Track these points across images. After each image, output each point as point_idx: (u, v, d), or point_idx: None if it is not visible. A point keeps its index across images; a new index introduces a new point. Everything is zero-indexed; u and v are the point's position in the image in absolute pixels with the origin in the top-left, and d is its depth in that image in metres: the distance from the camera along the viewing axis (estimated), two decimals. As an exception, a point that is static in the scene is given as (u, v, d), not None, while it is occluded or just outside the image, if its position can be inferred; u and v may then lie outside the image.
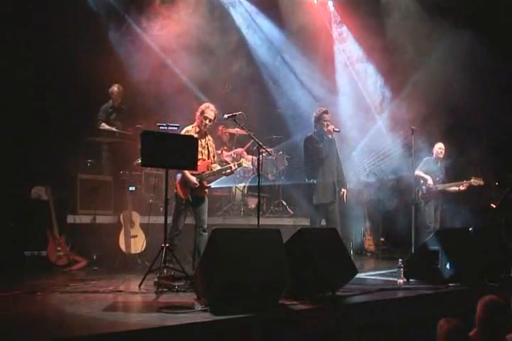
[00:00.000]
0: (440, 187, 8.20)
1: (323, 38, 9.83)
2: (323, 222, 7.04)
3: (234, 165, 6.04)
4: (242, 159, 6.56)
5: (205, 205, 6.06)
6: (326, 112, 6.93)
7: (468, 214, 8.28)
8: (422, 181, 8.18)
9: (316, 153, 6.80)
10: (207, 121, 5.96)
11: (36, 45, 7.11)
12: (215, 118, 6.03)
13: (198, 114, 5.99)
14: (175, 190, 5.95)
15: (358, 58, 9.78)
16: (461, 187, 8.10)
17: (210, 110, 5.96)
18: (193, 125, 6.03)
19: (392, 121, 9.11)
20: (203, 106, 6.01)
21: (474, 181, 8.04)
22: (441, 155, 8.34)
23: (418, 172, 8.10)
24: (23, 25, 7.00)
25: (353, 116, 9.20)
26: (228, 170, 6.00)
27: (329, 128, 6.84)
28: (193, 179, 5.86)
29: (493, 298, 3.52)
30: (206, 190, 6.08)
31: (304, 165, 7.11)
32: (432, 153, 8.36)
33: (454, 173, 8.42)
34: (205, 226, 5.95)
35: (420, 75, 8.54)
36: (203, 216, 6.00)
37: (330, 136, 6.87)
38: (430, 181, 8.15)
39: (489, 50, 8.22)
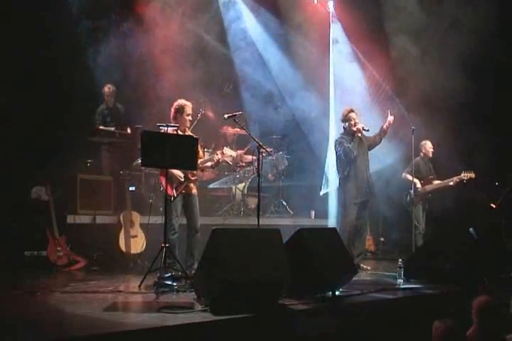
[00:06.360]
0: (429, 188, 7.98)
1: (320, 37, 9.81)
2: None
3: (217, 154, 5.89)
4: (224, 148, 6.26)
5: (196, 204, 5.88)
6: (352, 111, 6.87)
7: (456, 212, 8.13)
8: (410, 185, 7.84)
9: (347, 154, 6.72)
10: (189, 117, 5.92)
11: (35, 45, 7.10)
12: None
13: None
14: (161, 188, 5.80)
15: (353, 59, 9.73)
16: (451, 183, 7.87)
17: (188, 106, 5.90)
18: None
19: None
20: (181, 103, 5.88)
21: (464, 175, 7.77)
22: (431, 154, 8.13)
23: (406, 175, 7.91)
24: (17, 25, 6.99)
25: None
26: (212, 162, 5.87)
27: (358, 127, 6.77)
28: (177, 171, 5.67)
29: (486, 298, 3.45)
30: (194, 188, 5.89)
31: (337, 167, 7.07)
32: (421, 153, 8.11)
33: (444, 169, 8.22)
34: (198, 226, 5.81)
35: (420, 75, 8.48)
36: (194, 215, 5.86)
37: (359, 135, 6.82)
38: (418, 185, 7.89)
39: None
